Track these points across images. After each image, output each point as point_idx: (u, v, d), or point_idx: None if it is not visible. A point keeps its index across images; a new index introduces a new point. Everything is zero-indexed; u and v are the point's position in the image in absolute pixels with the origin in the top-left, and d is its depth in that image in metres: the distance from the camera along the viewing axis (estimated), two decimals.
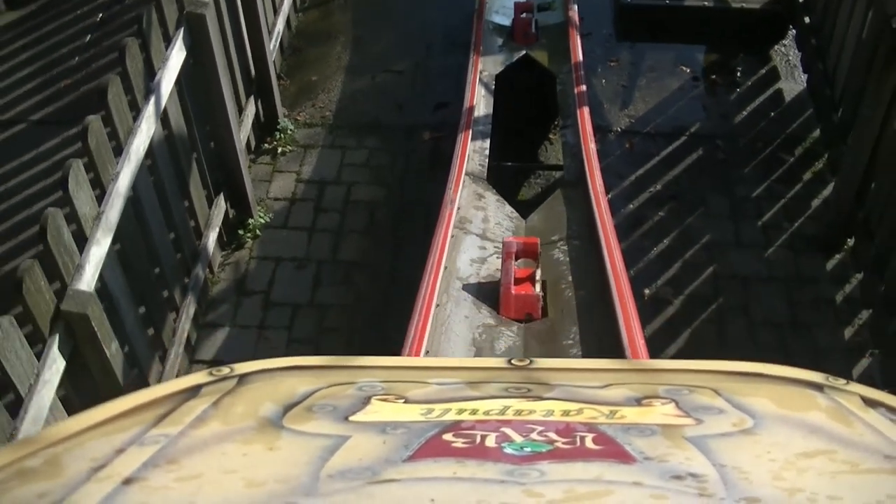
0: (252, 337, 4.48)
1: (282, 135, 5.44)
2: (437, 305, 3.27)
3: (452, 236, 3.70)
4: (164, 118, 3.94)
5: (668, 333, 4.46)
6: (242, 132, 4.94)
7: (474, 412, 1.31)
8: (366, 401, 1.37)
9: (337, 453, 1.16)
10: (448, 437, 1.21)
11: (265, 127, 5.41)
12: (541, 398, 1.39)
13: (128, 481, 1.10)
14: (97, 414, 1.32)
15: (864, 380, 4.25)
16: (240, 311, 4.58)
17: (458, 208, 3.93)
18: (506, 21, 5.47)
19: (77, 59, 5.94)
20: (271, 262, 4.81)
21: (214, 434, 1.26)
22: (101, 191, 3.44)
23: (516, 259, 3.50)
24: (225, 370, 1.49)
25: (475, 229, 3.89)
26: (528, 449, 1.17)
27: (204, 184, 4.52)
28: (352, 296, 4.63)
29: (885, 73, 4.15)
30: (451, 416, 1.29)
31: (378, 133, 5.51)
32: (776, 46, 6.08)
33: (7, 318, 2.78)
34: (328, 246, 4.86)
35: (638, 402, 1.37)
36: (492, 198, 4.21)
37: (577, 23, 5.36)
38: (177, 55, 4.00)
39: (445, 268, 3.48)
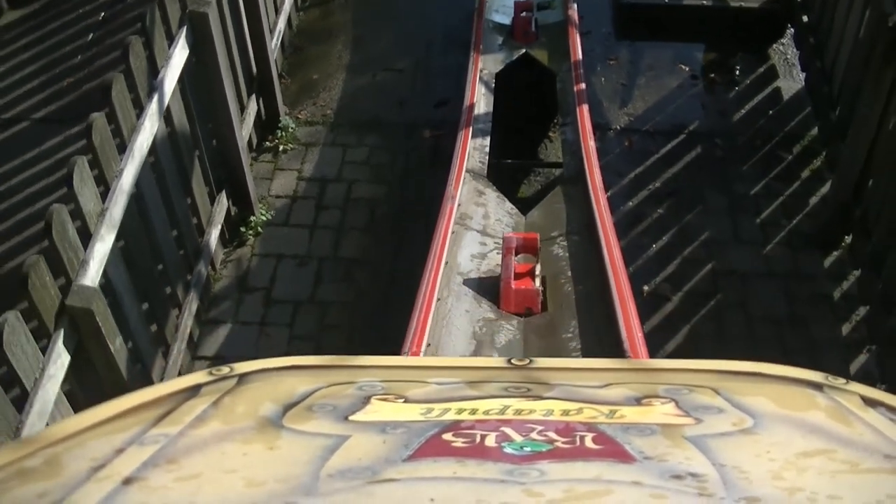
0: (253, 333, 4.51)
1: (283, 133, 5.47)
2: (438, 300, 3.31)
3: (453, 232, 3.73)
4: (167, 116, 3.97)
5: (667, 330, 4.49)
6: (244, 130, 4.97)
7: (474, 412, 1.31)
8: (366, 400, 1.37)
9: (337, 453, 1.16)
10: (448, 436, 1.21)
11: (267, 125, 5.44)
12: (540, 398, 1.39)
13: (127, 481, 1.10)
14: (97, 413, 1.32)
15: (862, 376, 4.28)
16: (241, 308, 4.61)
17: (459, 204, 3.97)
18: (506, 20, 5.50)
19: (79, 57, 5.97)
20: (273, 259, 4.84)
21: (214, 434, 1.26)
22: (104, 188, 3.47)
23: (516, 254, 3.54)
24: (225, 370, 1.49)
25: (475, 225, 3.93)
26: (528, 448, 1.17)
27: (206, 181, 4.55)
28: (353, 293, 4.66)
29: (882, 71, 4.18)
30: (450, 416, 1.29)
31: (379, 131, 5.54)
32: (774, 45, 6.11)
33: (13, 312, 2.80)
34: (329, 243, 4.89)
35: (637, 401, 1.37)
36: (492, 194, 4.24)
37: (577, 21, 5.39)
38: (179, 53, 4.03)
39: (446, 263, 3.52)
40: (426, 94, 5.80)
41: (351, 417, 1.30)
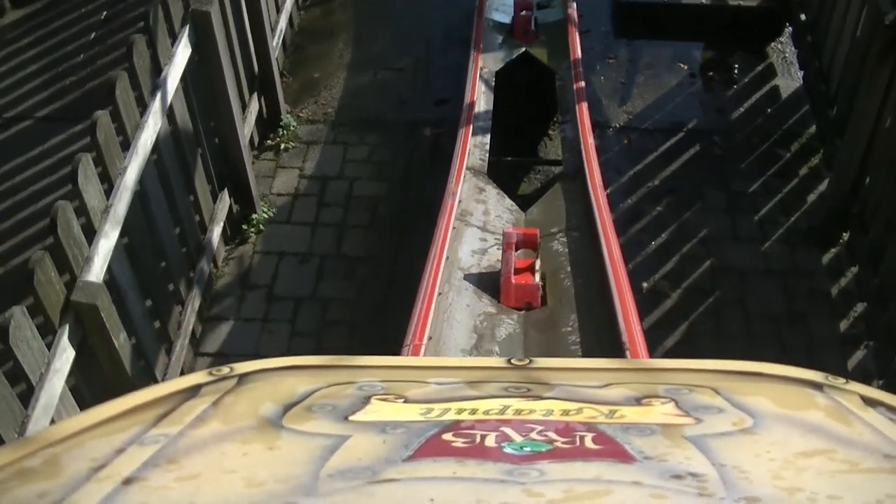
0: (255, 330, 4.54)
1: (285, 131, 5.50)
2: (440, 294, 3.34)
3: (454, 228, 3.77)
4: (169, 114, 4.00)
5: (666, 326, 4.52)
6: (246, 128, 5.00)
7: (474, 412, 1.31)
8: (365, 400, 1.36)
9: (337, 453, 1.16)
10: (448, 436, 1.21)
11: (268, 123, 5.48)
12: (540, 398, 1.38)
13: (128, 481, 1.10)
14: (97, 414, 1.32)
15: (859, 371, 4.32)
16: (244, 305, 4.65)
17: (460, 201, 4.00)
18: (506, 18, 5.53)
19: (82, 56, 6.00)
20: (274, 256, 4.87)
21: (214, 434, 1.26)
22: (108, 185, 3.50)
23: (516, 249, 3.58)
24: (225, 370, 1.48)
25: (476, 221, 3.97)
26: (528, 448, 1.16)
27: (208, 179, 4.59)
28: (354, 289, 4.69)
29: (878, 69, 4.21)
30: (450, 416, 1.29)
31: (379, 129, 5.58)
32: (773, 43, 6.14)
33: (19, 308, 2.84)
34: (331, 240, 4.93)
35: (637, 401, 1.37)
36: (492, 191, 4.28)
37: (576, 20, 5.42)
38: (182, 52, 4.06)
39: (447, 258, 3.56)
40: (426, 92, 5.84)
41: (351, 417, 1.29)
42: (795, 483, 1.09)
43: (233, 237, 4.93)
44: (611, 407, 1.32)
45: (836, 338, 4.49)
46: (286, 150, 5.45)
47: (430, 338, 3.04)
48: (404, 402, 1.37)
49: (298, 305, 4.63)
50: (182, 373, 4.16)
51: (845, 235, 4.81)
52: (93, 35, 6.14)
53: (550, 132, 5.51)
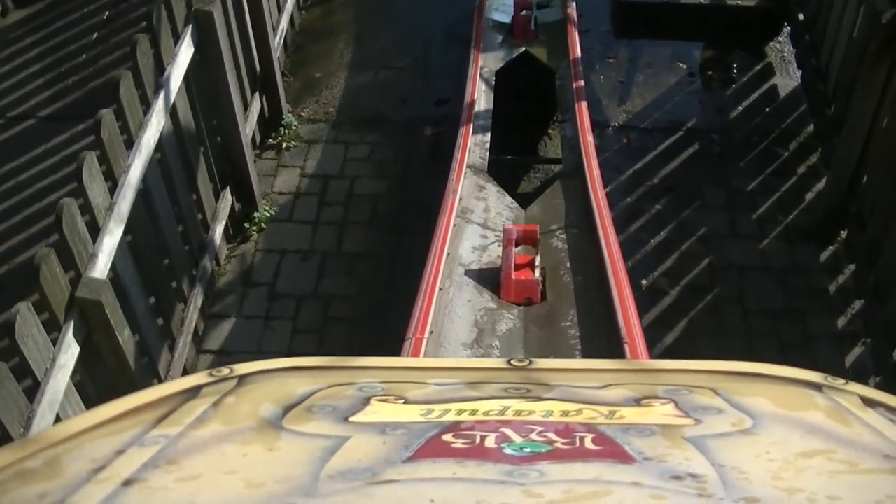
0: (257, 327, 4.57)
1: (286, 130, 5.53)
2: (441, 289, 3.38)
3: (455, 225, 3.81)
4: (172, 113, 4.03)
5: (665, 323, 4.56)
6: (248, 127, 5.03)
7: (474, 413, 1.31)
8: (365, 401, 1.36)
9: (337, 454, 1.16)
10: (448, 437, 1.21)
11: (270, 123, 5.51)
12: (540, 399, 1.39)
13: (128, 482, 1.10)
14: (97, 415, 1.32)
15: (857, 368, 4.35)
16: (246, 302, 4.68)
17: (460, 199, 4.04)
18: (506, 18, 5.57)
19: (84, 56, 6.03)
20: (276, 254, 4.90)
21: (214, 435, 1.26)
22: (112, 182, 3.54)
23: (516, 246, 3.62)
24: (225, 371, 1.49)
25: (476, 219, 4.00)
26: (528, 449, 1.16)
27: (211, 177, 4.62)
28: (355, 287, 4.73)
29: (874, 68, 4.25)
30: (450, 417, 1.29)
31: (380, 128, 5.61)
32: (771, 43, 6.18)
33: (25, 303, 2.86)
34: (332, 238, 4.96)
35: (637, 402, 1.37)
36: (492, 189, 4.31)
37: (576, 20, 5.46)
38: (185, 51, 4.10)
39: (448, 254, 3.59)
40: (426, 91, 5.87)
41: (351, 418, 1.29)
42: (795, 484, 1.10)
43: (235, 235, 4.96)
44: (610, 408, 1.33)
45: (834, 334, 4.52)
46: (288, 148, 5.48)
47: (431, 332, 3.08)
48: (404, 403, 1.38)
49: (300, 303, 4.67)
50: (185, 369, 4.19)
51: (843, 233, 4.85)
52: (95, 35, 6.18)
53: (550, 131, 5.55)
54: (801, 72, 5.80)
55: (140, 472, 1.13)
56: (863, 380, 4.30)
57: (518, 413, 1.30)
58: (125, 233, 3.51)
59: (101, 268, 3.28)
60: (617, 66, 6.08)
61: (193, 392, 1.41)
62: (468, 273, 3.63)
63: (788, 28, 6.11)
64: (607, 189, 4.56)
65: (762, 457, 1.17)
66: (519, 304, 3.50)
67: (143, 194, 3.75)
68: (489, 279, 3.58)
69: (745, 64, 6.03)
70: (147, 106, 3.83)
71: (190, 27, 4.15)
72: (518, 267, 3.53)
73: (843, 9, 5.01)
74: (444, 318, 3.28)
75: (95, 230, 3.35)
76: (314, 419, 1.30)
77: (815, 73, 5.46)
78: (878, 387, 4.19)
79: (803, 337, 4.50)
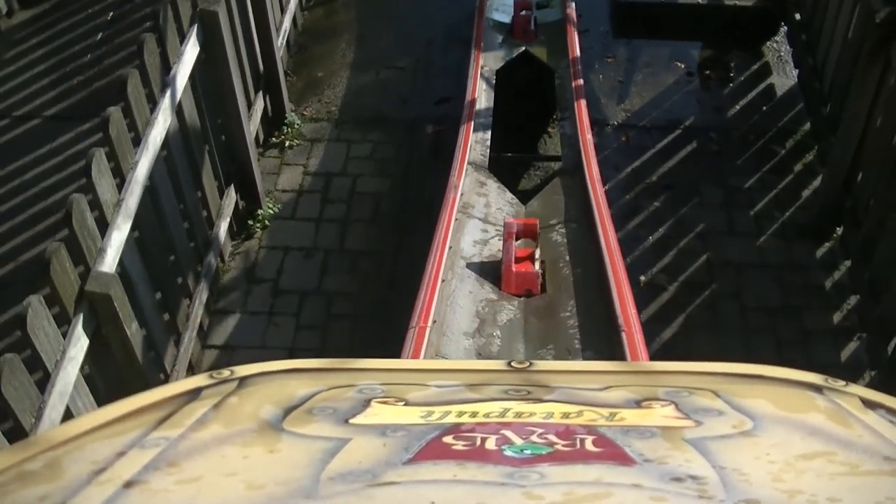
0: (261, 323, 4.63)
1: (289, 129, 5.60)
2: (443, 281, 3.45)
3: (456, 220, 3.87)
4: (178, 111, 4.09)
5: (664, 319, 4.61)
6: (252, 126, 5.09)
7: (474, 414, 1.31)
8: (366, 403, 1.37)
9: (337, 456, 1.16)
10: (448, 439, 1.21)
11: (273, 122, 5.57)
12: (541, 400, 1.39)
13: (128, 484, 1.10)
14: (98, 417, 1.33)
15: (852, 363, 4.41)
16: (250, 299, 4.74)
17: (462, 194, 4.10)
18: (506, 18, 5.62)
19: (89, 56, 6.09)
20: (280, 251, 4.97)
21: (215, 437, 1.26)
22: (120, 179, 3.60)
23: (517, 239, 3.69)
24: (225, 373, 1.49)
25: (478, 213, 4.07)
26: (528, 451, 1.16)
27: (215, 175, 4.68)
28: (357, 283, 4.79)
29: (869, 68, 4.30)
30: (451, 419, 1.29)
31: (382, 127, 5.67)
32: (768, 42, 6.24)
33: (36, 297, 2.92)
34: (335, 235, 5.02)
35: (637, 404, 1.37)
36: (493, 185, 4.38)
37: (575, 20, 5.51)
38: (191, 50, 4.16)
39: (450, 248, 3.66)
40: (427, 91, 5.93)
41: (351, 420, 1.30)
42: (795, 485, 1.10)
43: (239, 232, 5.03)
44: (611, 409, 1.33)
45: (830, 330, 4.58)
46: (291, 147, 5.54)
47: (434, 321, 3.15)
48: (404, 404, 1.38)
49: (303, 299, 4.73)
50: (190, 364, 4.25)
51: (839, 230, 4.90)
52: (100, 35, 6.24)
53: (550, 129, 5.60)
54: (797, 71, 5.86)
55: (141, 474, 1.13)
56: (858, 374, 4.36)
57: (518, 415, 1.31)
58: (132, 229, 3.57)
59: (109, 262, 3.34)
60: (616, 66, 6.14)
61: (194, 394, 1.41)
62: (470, 266, 3.70)
63: (785, 28, 6.17)
64: (606, 186, 4.62)
65: (763, 458, 1.18)
66: (519, 296, 3.57)
67: (150, 191, 3.81)
68: (490, 272, 3.65)
69: (743, 63, 6.09)
70: (153, 104, 3.89)
71: (195, 27, 4.21)
72: (518, 260, 3.60)
73: (838, 8, 5.07)
74: (446, 309, 3.35)
75: (103, 226, 3.41)
76: (315, 421, 1.31)
77: (812, 72, 5.52)
78: (873, 381, 4.25)
79: (800, 332, 4.56)
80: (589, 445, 1.19)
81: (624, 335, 2.94)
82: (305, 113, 5.79)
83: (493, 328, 3.35)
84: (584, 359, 3.10)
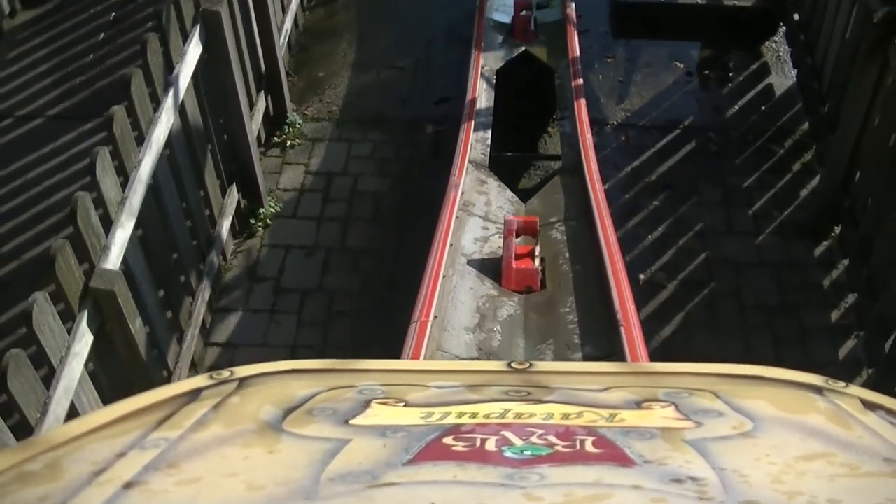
0: (263, 321, 4.66)
1: (290, 129, 5.63)
2: (444, 277, 3.49)
3: (457, 218, 3.91)
4: (181, 110, 4.11)
5: (663, 317, 4.64)
6: (254, 125, 5.12)
7: (474, 416, 1.31)
8: (366, 404, 1.37)
9: (337, 457, 1.16)
10: (448, 440, 1.21)
11: (274, 121, 5.60)
12: (541, 401, 1.39)
13: (128, 485, 1.10)
14: (98, 417, 1.33)
15: (850, 361, 4.44)
16: (252, 297, 4.77)
17: (462, 192, 4.14)
18: (506, 18, 5.65)
19: (91, 56, 6.12)
20: (281, 249, 5.00)
21: (215, 437, 1.26)
22: (124, 178, 3.63)
23: (517, 236, 3.73)
24: (225, 373, 1.49)
25: (478, 211, 4.10)
26: (528, 452, 1.17)
27: (218, 174, 4.71)
28: (359, 281, 4.82)
29: (866, 67, 4.33)
30: (451, 420, 1.29)
31: (383, 127, 5.71)
32: (767, 42, 6.27)
33: (41, 293, 2.95)
34: (336, 234, 5.05)
35: (637, 405, 1.37)
36: (493, 183, 4.41)
37: (575, 20, 5.54)
38: (193, 50, 4.19)
39: (451, 245, 3.69)
40: (427, 91, 5.97)
41: (351, 421, 1.30)
42: (795, 487, 1.10)
43: (241, 231, 5.06)
44: (611, 410, 1.33)
45: (828, 328, 4.61)
46: (292, 146, 5.57)
47: (435, 316, 3.19)
48: (405, 405, 1.38)
49: (305, 297, 4.76)
50: (193, 361, 4.28)
51: (837, 229, 4.93)
52: (102, 35, 6.27)
53: (550, 129, 5.63)
54: (796, 71, 5.89)
55: (140, 475, 1.13)
56: (856, 372, 4.39)
57: (518, 416, 1.31)
58: (136, 227, 3.60)
59: (113, 259, 3.37)
60: (615, 66, 6.18)
61: (194, 395, 1.42)
62: (470, 262, 3.73)
63: (784, 28, 6.20)
64: (606, 185, 4.65)
65: (762, 460, 1.18)
66: (519, 292, 3.61)
67: (153, 190, 3.83)
68: (490, 268, 3.69)
69: (742, 63, 6.12)
70: (157, 103, 3.92)
71: (198, 27, 4.24)
72: (518, 256, 3.64)
73: (837, 9, 5.09)
74: (447, 304, 3.39)
75: (107, 224, 3.44)
76: (314, 422, 1.31)
77: (810, 72, 5.55)
78: (870, 379, 4.28)
79: (798, 331, 4.59)
80: (589, 446, 1.19)
81: (623, 330, 2.97)
82: (307, 112, 5.82)
83: (493, 324, 3.39)
84: (584, 354, 3.13)
